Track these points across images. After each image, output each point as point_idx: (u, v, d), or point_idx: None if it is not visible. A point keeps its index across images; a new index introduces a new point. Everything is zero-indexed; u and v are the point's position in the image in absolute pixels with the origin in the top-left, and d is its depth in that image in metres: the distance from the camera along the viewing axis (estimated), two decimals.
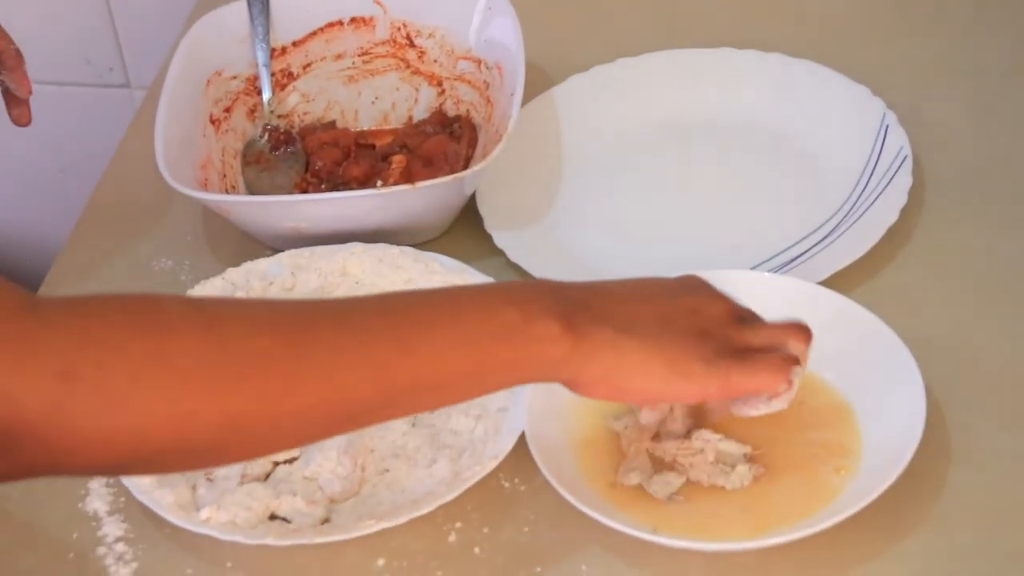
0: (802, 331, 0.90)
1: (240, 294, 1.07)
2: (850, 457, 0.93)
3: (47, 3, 1.50)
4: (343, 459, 0.96)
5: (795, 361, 0.88)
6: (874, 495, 0.88)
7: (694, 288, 0.90)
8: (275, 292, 1.07)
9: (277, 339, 0.77)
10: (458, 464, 0.96)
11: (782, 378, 0.88)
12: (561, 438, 0.95)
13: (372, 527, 0.92)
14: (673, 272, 1.00)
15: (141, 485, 0.95)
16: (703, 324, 0.87)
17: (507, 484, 0.96)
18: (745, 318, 0.90)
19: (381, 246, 1.08)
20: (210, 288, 1.07)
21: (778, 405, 0.89)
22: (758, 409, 0.90)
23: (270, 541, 0.93)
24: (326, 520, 0.95)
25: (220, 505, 0.94)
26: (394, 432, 0.98)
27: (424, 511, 0.93)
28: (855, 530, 0.89)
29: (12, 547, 0.98)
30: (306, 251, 1.09)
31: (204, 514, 0.94)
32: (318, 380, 0.77)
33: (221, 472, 0.96)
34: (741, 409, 0.90)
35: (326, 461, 0.96)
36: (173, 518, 0.94)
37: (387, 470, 0.97)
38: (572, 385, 0.86)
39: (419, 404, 0.84)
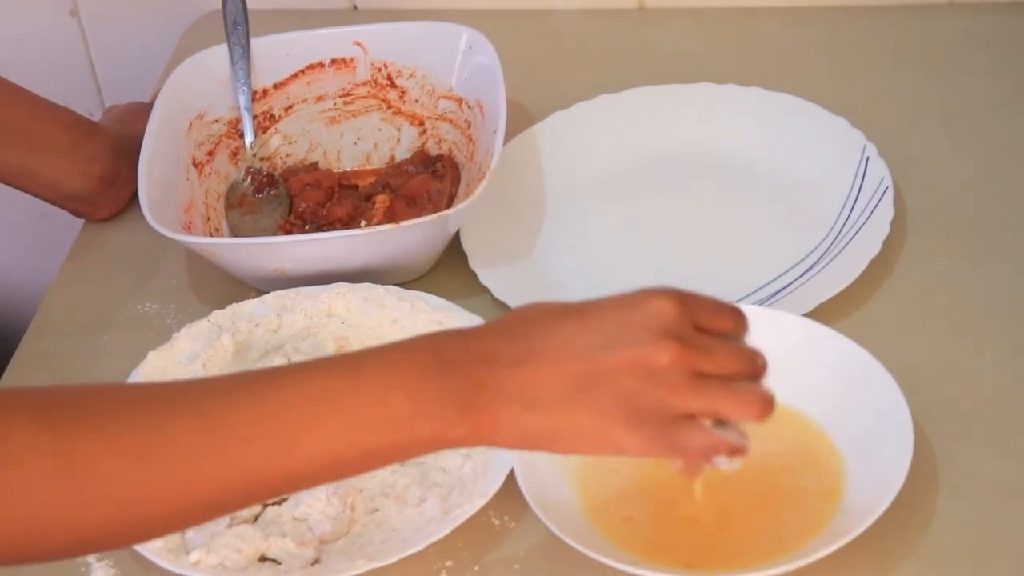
0: (754, 405, 0.81)
1: (226, 336, 1.06)
2: (837, 490, 0.93)
3: (23, 46, 1.50)
4: (332, 499, 0.96)
5: (726, 448, 0.81)
6: (863, 527, 0.88)
7: (646, 328, 0.80)
8: (261, 333, 1.07)
9: (127, 459, 0.75)
10: (448, 502, 0.96)
11: (701, 460, 0.82)
12: (552, 474, 0.95)
13: (362, 567, 0.92)
14: None
15: None
16: (631, 385, 0.79)
17: (497, 521, 0.96)
18: (696, 365, 0.80)
19: (366, 286, 1.08)
20: (196, 331, 1.07)
21: (727, 465, 0.83)
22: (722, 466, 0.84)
23: None
24: (316, 561, 0.95)
25: (210, 548, 0.94)
26: (383, 471, 0.98)
27: (414, 550, 0.92)
28: (845, 562, 0.89)
29: None
30: (291, 292, 1.09)
31: (194, 557, 0.94)
32: (175, 493, 0.76)
33: None
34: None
35: (315, 502, 0.96)
36: (162, 562, 0.94)
37: (376, 509, 0.97)
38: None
39: (299, 487, 0.82)
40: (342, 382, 0.79)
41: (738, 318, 0.84)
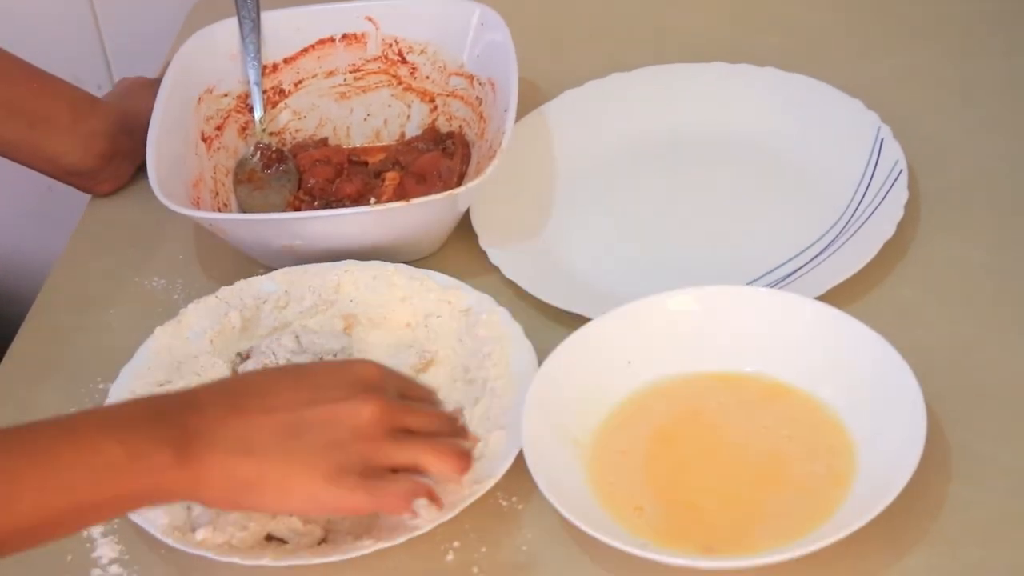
0: (452, 457, 0.88)
1: (234, 313, 1.06)
2: (848, 474, 0.93)
3: (33, 21, 1.50)
4: None
5: (425, 492, 0.88)
6: (875, 512, 0.88)
7: (350, 386, 0.87)
8: (269, 310, 1.07)
9: None
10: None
11: (402, 508, 0.88)
12: (560, 455, 0.95)
13: (369, 547, 0.92)
14: (671, 286, 1.00)
15: None
16: (337, 437, 0.85)
17: (505, 503, 0.96)
18: (399, 421, 0.87)
19: (375, 264, 1.07)
20: (203, 307, 1.06)
21: (414, 522, 0.90)
22: (421, 522, 0.90)
23: (267, 562, 0.92)
24: (323, 540, 0.94)
25: (216, 526, 0.93)
26: None
27: (422, 531, 0.92)
28: (856, 547, 0.88)
29: (5, 571, 0.97)
30: (299, 269, 1.08)
31: (200, 535, 0.93)
32: None
33: None
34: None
35: None
36: (169, 540, 0.93)
37: None
38: (195, 501, 0.87)
39: (21, 547, 0.83)
40: (59, 436, 0.82)
41: (430, 393, 0.93)
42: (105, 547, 0.97)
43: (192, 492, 0.85)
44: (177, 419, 0.84)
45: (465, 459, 0.89)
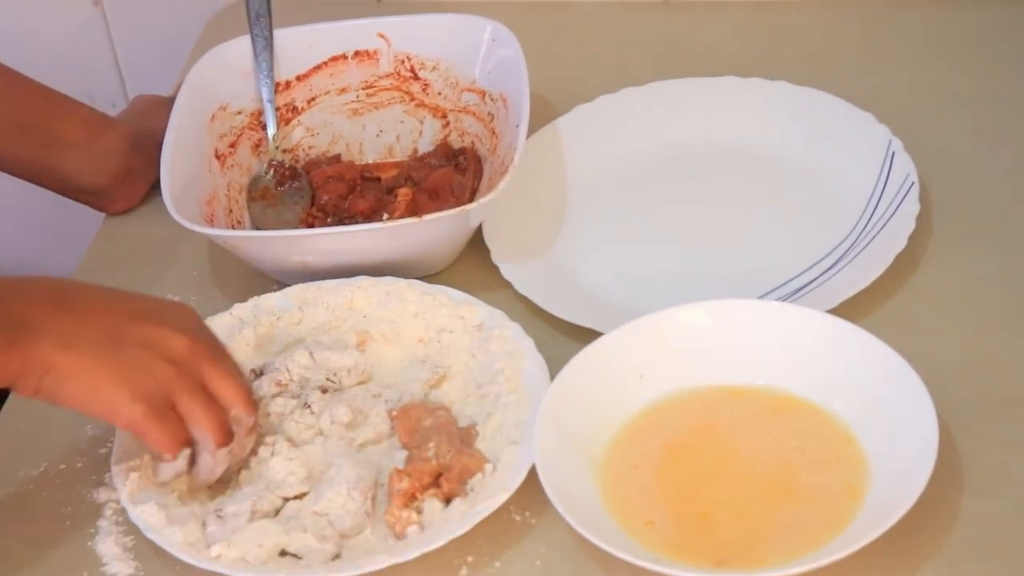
0: (220, 429, 0.93)
1: (248, 330, 1.06)
2: (861, 488, 0.93)
3: (49, 38, 1.50)
4: (353, 494, 0.96)
5: (187, 442, 0.93)
6: (887, 525, 0.88)
7: (172, 316, 0.94)
8: (283, 327, 1.07)
9: None
10: (469, 498, 0.95)
11: (167, 447, 0.92)
12: (573, 469, 0.95)
13: (383, 562, 0.92)
14: (683, 299, 1.01)
15: (150, 523, 0.95)
16: (146, 358, 0.91)
17: (518, 517, 0.96)
18: (202, 367, 0.93)
19: (388, 280, 1.08)
20: (217, 324, 1.06)
21: (162, 471, 0.94)
22: (163, 474, 0.94)
23: None
24: (337, 556, 0.95)
25: (230, 542, 0.94)
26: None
27: (435, 546, 0.92)
28: (869, 561, 0.88)
29: None
30: (313, 285, 1.08)
31: (215, 551, 0.94)
32: None
33: (231, 509, 0.96)
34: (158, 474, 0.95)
35: (336, 496, 0.95)
36: (184, 556, 0.94)
37: None
38: (14, 390, 0.90)
39: None
40: None
41: (234, 369, 0.97)
42: (120, 564, 0.97)
43: (13, 378, 0.89)
44: (9, 308, 0.88)
45: (227, 433, 0.94)
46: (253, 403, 0.96)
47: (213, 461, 0.95)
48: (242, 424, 0.96)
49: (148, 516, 0.95)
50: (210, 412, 0.93)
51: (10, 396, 1.10)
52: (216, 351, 0.95)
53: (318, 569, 0.93)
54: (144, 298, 0.96)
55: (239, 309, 1.08)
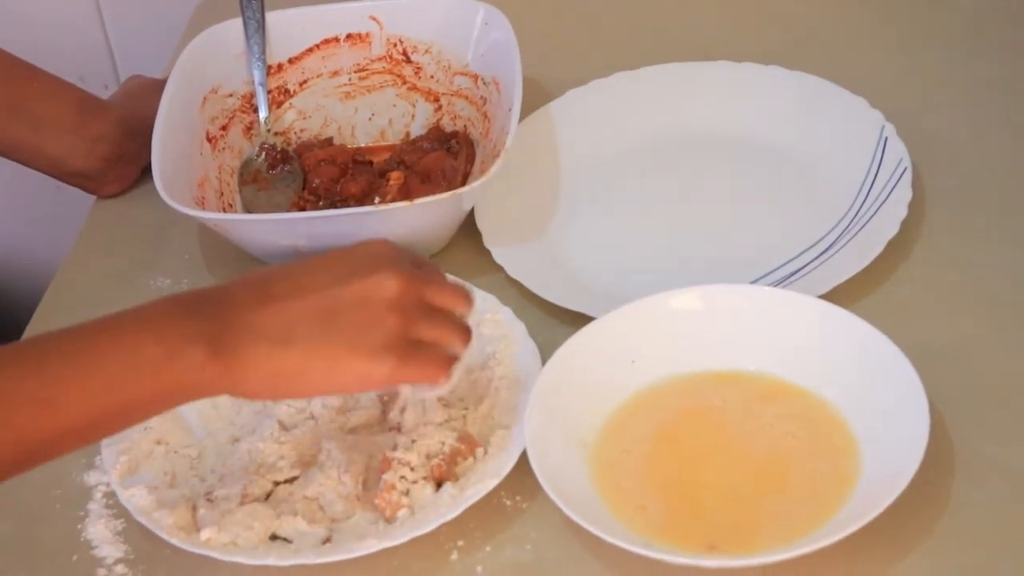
0: (464, 334, 0.91)
1: None
2: (852, 473, 0.93)
3: (39, 20, 1.50)
4: (344, 478, 0.96)
5: (454, 360, 0.90)
6: (878, 511, 0.88)
7: (371, 262, 0.89)
8: None
9: None
10: (460, 483, 0.95)
11: (441, 374, 0.90)
12: (564, 454, 0.95)
13: (374, 546, 0.92)
14: (675, 284, 1.01)
15: (141, 507, 0.95)
16: (372, 313, 0.87)
17: (509, 502, 0.96)
18: (421, 293, 0.89)
19: None
20: None
21: (438, 391, 0.91)
22: (423, 392, 0.93)
23: (272, 561, 0.92)
24: (327, 540, 0.95)
25: (221, 526, 0.94)
26: (397, 451, 0.98)
27: (425, 530, 0.92)
28: (860, 546, 0.88)
29: (10, 571, 0.98)
30: None
31: (205, 535, 0.93)
32: None
33: (221, 492, 0.96)
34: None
35: (327, 480, 0.95)
36: (174, 540, 0.94)
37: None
38: (235, 395, 0.87)
39: (74, 447, 0.85)
40: (99, 337, 0.84)
41: (435, 265, 0.93)
42: (110, 547, 0.97)
43: (233, 386, 0.86)
44: (212, 313, 0.85)
45: (469, 333, 0.92)
46: (471, 298, 0.94)
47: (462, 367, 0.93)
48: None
49: (138, 499, 0.95)
50: (450, 327, 0.91)
51: None
52: (424, 271, 0.91)
53: (308, 553, 0.93)
54: (337, 255, 0.90)
55: None
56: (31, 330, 1.14)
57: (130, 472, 0.97)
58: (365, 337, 0.87)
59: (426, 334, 0.90)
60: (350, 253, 0.90)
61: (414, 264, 0.91)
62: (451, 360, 0.90)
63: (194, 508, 0.96)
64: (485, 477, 0.94)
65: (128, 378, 0.83)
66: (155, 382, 0.83)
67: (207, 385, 0.84)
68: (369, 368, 0.87)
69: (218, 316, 0.85)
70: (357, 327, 0.87)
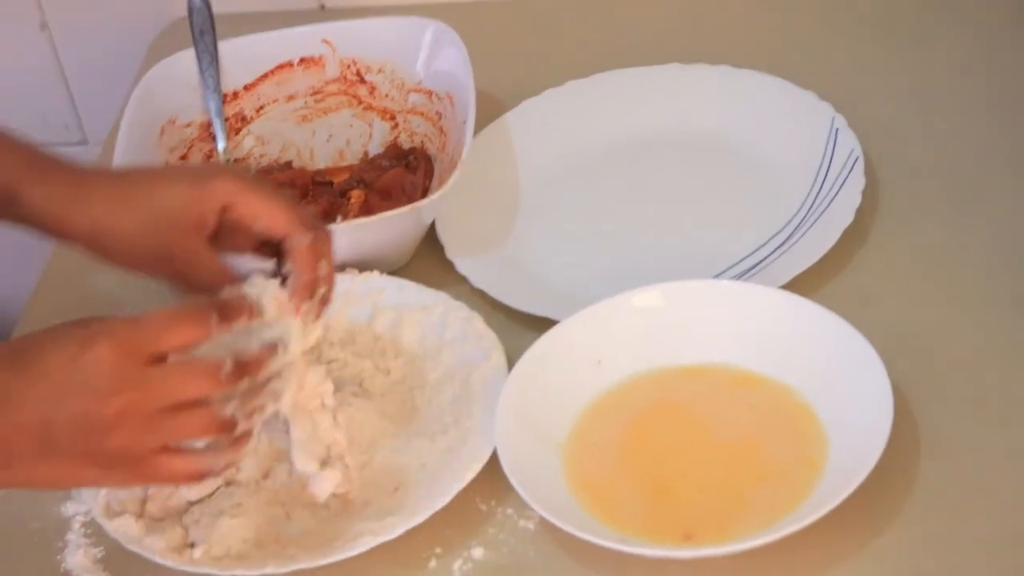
0: (207, 425, 0.83)
1: None
2: (820, 457, 0.94)
3: None
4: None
5: (202, 474, 0.85)
6: (847, 492, 0.89)
7: (90, 375, 0.81)
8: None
9: None
10: (426, 488, 0.96)
11: (183, 483, 0.87)
12: (536, 456, 0.96)
13: (368, 543, 0.92)
14: (638, 285, 1.02)
15: (131, 536, 0.95)
16: (92, 437, 0.82)
17: (484, 506, 0.97)
18: (151, 406, 0.82)
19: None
20: None
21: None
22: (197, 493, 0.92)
23: (270, 570, 0.92)
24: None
25: (211, 542, 0.94)
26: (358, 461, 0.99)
27: (393, 535, 0.92)
28: (830, 529, 0.89)
29: None
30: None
31: (198, 553, 0.94)
32: None
33: (207, 511, 0.96)
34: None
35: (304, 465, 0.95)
36: (168, 561, 0.94)
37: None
38: None
39: None
40: None
41: (195, 321, 0.84)
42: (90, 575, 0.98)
43: None
44: None
45: (225, 425, 0.84)
46: (217, 376, 0.84)
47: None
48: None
49: (127, 528, 0.95)
50: (185, 424, 0.83)
51: None
52: (160, 379, 0.83)
53: (305, 557, 0.93)
54: (61, 359, 0.82)
55: None
56: None
57: (112, 503, 0.97)
58: (88, 456, 0.82)
59: (159, 441, 0.83)
60: (72, 361, 0.82)
61: (153, 354, 0.82)
62: (190, 467, 0.84)
63: (184, 528, 0.96)
64: (452, 482, 0.95)
65: None
66: None
67: None
68: (101, 479, 0.85)
69: None
70: (79, 450, 0.82)
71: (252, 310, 0.86)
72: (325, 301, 0.91)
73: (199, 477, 0.85)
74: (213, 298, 0.86)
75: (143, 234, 0.92)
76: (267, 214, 0.91)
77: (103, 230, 0.93)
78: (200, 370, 0.83)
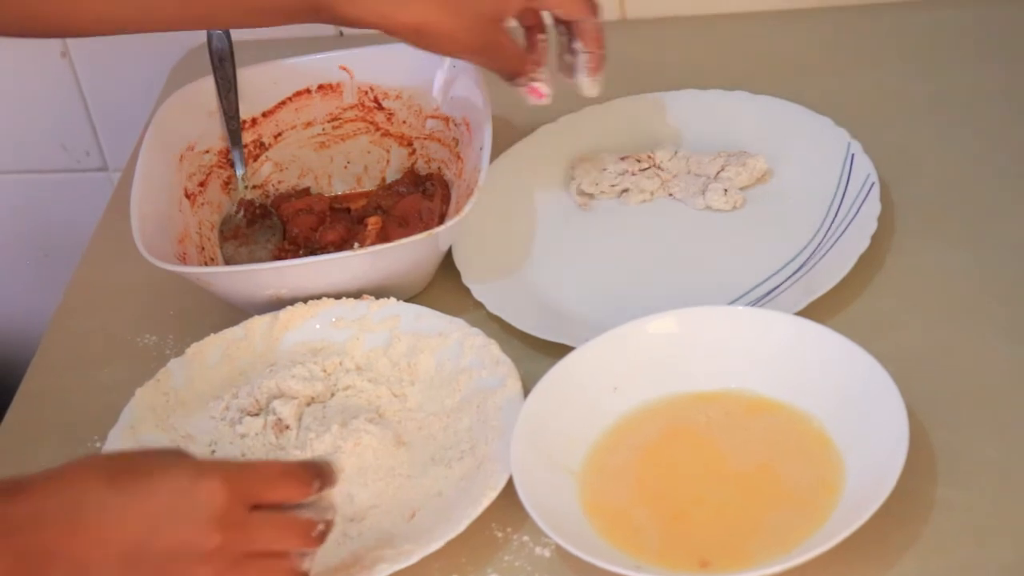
0: (300, 531, 0.86)
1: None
2: (836, 483, 0.94)
3: (19, 93, 1.52)
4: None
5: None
6: (864, 518, 0.89)
7: (195, 509, 0.83)
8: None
9: None
10: (444, 515, 0.96)
11: None
12: (551, 482, 0.96)
13: (385, 571, 0.93)
14: (653, 311, 1.02)
15: None
16: (172, 571, 0.83)
17: (500, 533, 0.97)
18: (246, 549, 0.84)
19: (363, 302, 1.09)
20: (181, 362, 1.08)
21: None
22: None
23: None
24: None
25: None
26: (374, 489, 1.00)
27: (408, 563, 0.93)
28: (847, 555, 0.89)
29: None
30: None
31: None
32: None
33: None
34: None
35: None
36: None
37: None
38: None
39: None
40: None
41: (300, 482, 0.87)
42: None
43: None
44: (11, 541, 0.81)
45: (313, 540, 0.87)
46: (308, 536, 0.87)
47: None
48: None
49: None
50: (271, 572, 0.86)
51: (3, 422, 1.11)
52: (249, 534, 0.85)
53: None
54: (168, 489, 0.84)
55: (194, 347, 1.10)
56: (23, 392, 1.15)
57: None
58: None
59: (255, 546, 0.85)
60: (179, 494, 0.83)
61: (253, 501, 0.85)
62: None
63: None
64: (470, 507, 0.95)
65: None
66: None
67: None
68: None
69: (22, 541, 0.81)
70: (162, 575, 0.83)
71: (335, 478, 0.89)
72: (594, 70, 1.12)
73: None
74: (312, 462, 0.89)
75: (463, 28, 1.06)
76: (562, 3, 1.08)
77: (426, 28, 1.06)
78: (298, 527, 0.87)
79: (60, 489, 0.83)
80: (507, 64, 1.09)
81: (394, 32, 1.06)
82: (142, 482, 0.83)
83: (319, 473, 0.88)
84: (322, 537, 0.88)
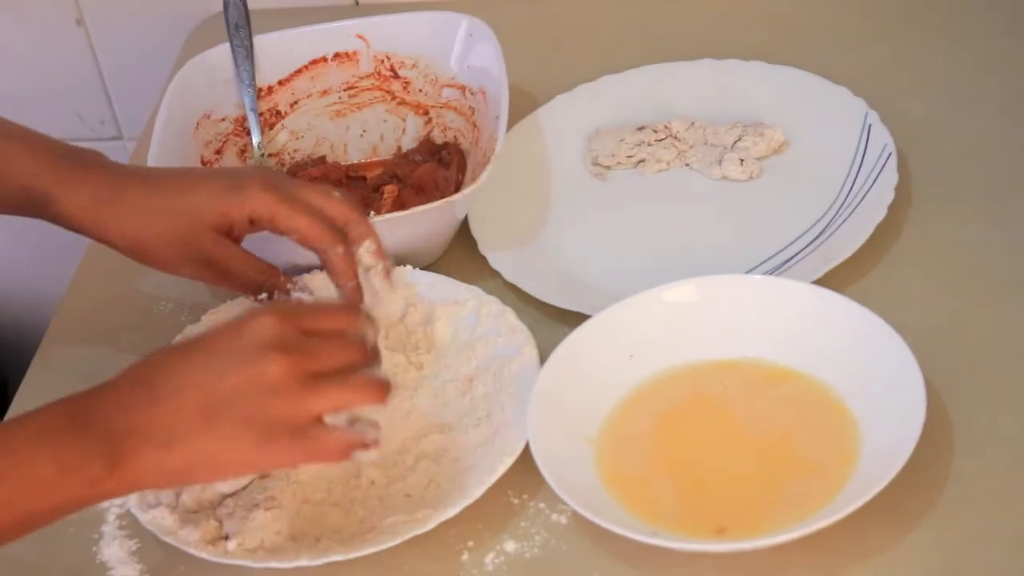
0: (370, 390, 0.87)
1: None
2: (853, 452, 0.94)
3: (34, 59, 1.52)
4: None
5: (359, 444, 0.86)
6: (880, 487, 0.89)
7: (252, 347, 0.85)
8: None
9: None
10: (461, 480, 0.97)
11: (340, 458, 0.87)
12: (568, 449, 0.96)
13: (399, 537, 0.93)
14: (670, 279, 1.02)
15: (165, 527, 0.96)
16: (253, 404, 0.84)
17: (516, 500, 0.97)
18: (307, 366, 0.85)
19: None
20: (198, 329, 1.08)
21: (361, 459, 0.88)
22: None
23: (304, 562, 0.93)
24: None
25: (245, 533, 0.95)
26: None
27: (424, 529, 0.93)
28: (864, 523, 0.90)
29: None
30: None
31: (232, 545, 0.95)
32: None
33: (241, 503, 0.97)
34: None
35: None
36: (203, 553, 0.95)
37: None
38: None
39: None
40: None
41: (343, 313, 0.90)
42: (125, 567, 0.98)
43: (130, 491, 0.87)
44: (101, 424, 0.84)
45: (381, 388, 0.87)
46: (373, 351, 0.89)
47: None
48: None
49: (161, 520, 0.96)
50: (346, 389, 0.86)
51: (10, 406, 1.12)
52: (313, 351, 0.86)
53: (339, 550, 0.93)
54: (225, 338, 0.86)
55: (209, 316, 1.10)
56: (41, 358, 1.15)
57: (143, 496, 0.98)
58: (246, 430, 0.84)
59: (317, 409, 0.85)
60: (231, 338, 0.86)
61: (305, 330, 0.86)
62: (350, 445, 0.86)
63: (219, 520, 0.97)
64: (487, 474, 0.95)
65: (25, 495, 0.83)
66: (52, 498, 0.84)
67: (105, 494, 0.85)
68: (252, 458, 0.85)
69: (106, 427, 0.84)
70: (237, 422, 0.84)
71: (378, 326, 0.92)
72: (387, 274, 1.01)
73: (351, 450, 0.86)
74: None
75: (179, 241, 1.00)
76: (297, 228, 0.98)
77: (139, 238, 1.00)
78: (359, 345, 0.88)
79: (133, 374, 0.86)
80: (237, 280, 1.02)
81: (107, 243, 1.02)
82: (198, 342, 0.87)
83: (365, 315, 0.89)
84: (388, 389, 0.87)
